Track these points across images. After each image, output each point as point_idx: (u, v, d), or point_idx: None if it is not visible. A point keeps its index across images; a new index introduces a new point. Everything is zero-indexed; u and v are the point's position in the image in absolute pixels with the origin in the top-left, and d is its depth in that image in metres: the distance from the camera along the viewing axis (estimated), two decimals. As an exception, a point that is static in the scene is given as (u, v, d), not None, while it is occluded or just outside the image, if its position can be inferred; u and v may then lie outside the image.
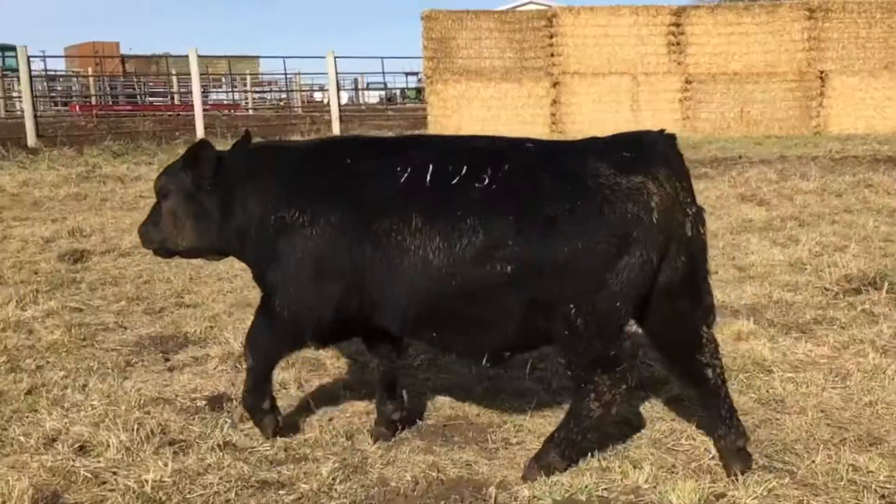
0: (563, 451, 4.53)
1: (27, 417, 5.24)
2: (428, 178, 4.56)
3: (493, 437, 4.99)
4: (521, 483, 4.43)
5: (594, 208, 4.29)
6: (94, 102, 40.54)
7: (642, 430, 5.05)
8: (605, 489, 4.35)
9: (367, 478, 4.50)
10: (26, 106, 21.91)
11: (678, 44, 25.59)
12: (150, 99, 46.88)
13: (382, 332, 4.93)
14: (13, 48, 47.93)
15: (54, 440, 4.88)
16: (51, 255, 9.92)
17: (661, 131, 4.66)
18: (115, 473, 4.49)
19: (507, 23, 26.24)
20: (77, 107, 38.79)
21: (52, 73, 45.36)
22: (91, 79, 45.57)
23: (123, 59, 53.62)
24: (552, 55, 25.77)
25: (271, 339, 4.92)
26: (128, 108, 40.26)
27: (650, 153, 4.50)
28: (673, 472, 4.54)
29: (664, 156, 4.50)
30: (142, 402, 5.47)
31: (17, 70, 37.54)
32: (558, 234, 4.30)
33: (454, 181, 4.51)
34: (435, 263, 4.41)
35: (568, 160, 4.56)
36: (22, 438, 4.88)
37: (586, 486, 4.33)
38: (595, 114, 25.28)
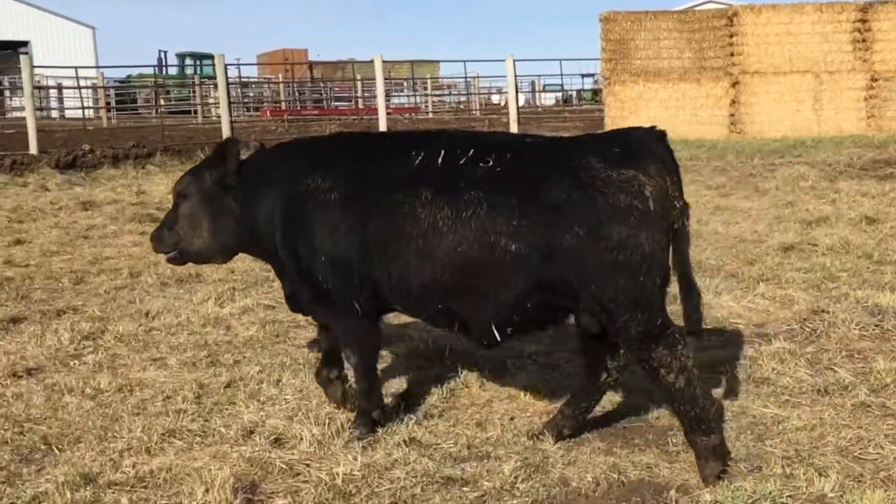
0: (701, 428, 4.55)
1: (227, 410, 5.47)
2: (436, 168, 4.84)
3: (673, 440, 4.94)
4: (702, 487, 4.39)
5: (588, 198, 4.53)
6: (283, 107, 41.77)
7: (827, 438, 4.90)
8: (790, 496, 4.26)
9: (549, 477, 4.52)
10: (223, 111, 22.72)
11: (864, 40, 24.59)
12: (336, 103, 47.94)
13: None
14: (210, 56, 49.96)
15: (252, 432, 5.09)
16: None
17: (652, 127, 4.83)
18: (308, 465, 4.64)
19: (687, 22, 25.79)
20: (268, 111, 40.03)
21: (246, 79, 47.00)
22: (281, 85, 46.96)
23: (311, 65, 54.96)
24: (732, 54, 25.15)
25: (353, 329, 5.19)
26: (314, 112, 41.24)
27: (639, 148, 4.71)
28: (860, 482, 4.41)
29: (653, 151, 4.70)
30: (332, 397, 5.65)
31: (213, 77, 39.05)
32: (565, 221, 4.54)
33: (462, 174, 4.76)
34: (452, 248, 4.68)
35: (567, 155, 4.78)
36: (223, 430, 5.10)
37: (770, 493, 4.25)
38: (776, 113, 24.59)
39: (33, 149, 20.43)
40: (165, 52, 52.79)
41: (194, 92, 43.53)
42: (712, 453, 4.52)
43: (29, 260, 10.23)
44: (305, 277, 5.13)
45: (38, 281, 9.19)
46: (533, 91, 53.86)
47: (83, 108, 35.54)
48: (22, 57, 22.06)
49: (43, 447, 4.98)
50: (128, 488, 4.44)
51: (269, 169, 5.33)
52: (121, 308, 7.94)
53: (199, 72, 50.77)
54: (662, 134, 4.79)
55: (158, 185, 16.25)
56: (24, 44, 62.10)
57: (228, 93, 23.43)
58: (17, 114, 39.12)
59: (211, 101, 40.12)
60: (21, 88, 38.49)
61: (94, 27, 67.12)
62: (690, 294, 4.72)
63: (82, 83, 38.26)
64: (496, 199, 4.66)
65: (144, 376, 6.14)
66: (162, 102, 44.07)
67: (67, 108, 43.14)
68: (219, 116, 24.89)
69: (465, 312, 4.86)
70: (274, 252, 5.27)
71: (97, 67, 44.76)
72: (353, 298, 5.04)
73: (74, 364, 6.47)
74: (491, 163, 4.77)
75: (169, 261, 5.70)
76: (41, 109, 34.51)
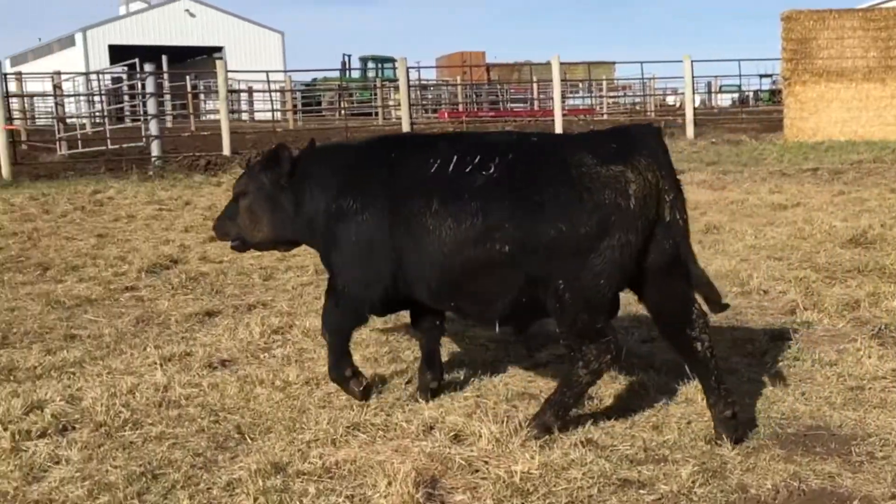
0: (558, 412, 5.06)
1: (407, 405, 5.57)
2: (449, 169, 5.13)
3: (856, 450, 4.77)
4: (887, 499, 4.24)
5: (575, 195, 4.77)
6: (460, 109, 42.14)
7: None
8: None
9: (727, 483, 4.44)
10: (403, 113, 23.09)
11: None
12: (511, 105, 48.08)
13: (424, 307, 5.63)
14: (392, 60, 50.82)
15: (432, 428, 5.16)
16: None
17: (649, 124, 5.18)
18: (486, 462, 4.68)
19: (872, 20, 24.83)
20: (446, 113, 40.46)
21: (425, 82, 47.61)
22: (459, 87, 47.38)
23: (488, 67, 55.33)
24: (920, 54, 24.15)
25: (340, 315, 5.64)
26: (491, 114, 41.48)
27: (633, 144, 4.92)
28: None
29: (647, 146, 4.90)
30: (509, 395, 5.68)
31: (394, 80, 39.68)
32: (545, 217, 4.81)
33: (467, 171, 5.07)
34: (451, 241, 5.01)
35: (559, 152, 5.01)
36: (404, 424, 5.19)
37: None
38: (966, 114, 23.50)
39: (226, 150, 21.22)
40: (349, 56, 53.94)
41: (376, 94, 44.38)
42: (546, 427, 5.00)
43: (222, 256, 10.62)
44: (336, 271, 5.60)
45: (231, 277, 9.56)
46: (709, 92, 52.80)
47: (273, 110, 36.65)
48: (217, 62, 22.90)
49: (236, 436, 5.17)
50: (315, 478, 4.57)
51: (318, 171, 5.71)
52: (307, 304, 8.17)
53: (380, 75, 51.72)
54: (658, 130, 5.09)
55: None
56: (219, 49, 64.58)
57: (409, 95, 23.75)
58: (211, 116, 40.72)
59: (391, 103, 40.84)
60: (215, 92, 40.06)
61: (283, 32, 69.26)
62: (693, 277, 4.94)
63: (271, 87, 39.49)
64: (497, 201, 4.94)
65: (327, 371, 6.31)
66: (344, 105, 45.06)
67: (257, 111, 44.61)
68: (399, 118, 25.31)
69: (469, 305, 5.28)
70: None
71: (285, 71, 46.03)
72: (369, 298, 5.48)
73: (264, 357, 6.70)
74: (495, 163, 5.03)
75: (233, 248, 6.15)
76: (233, 112, 35.73)
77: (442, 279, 5.14)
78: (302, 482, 4.52)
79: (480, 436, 4.95)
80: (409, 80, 23.91)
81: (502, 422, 5.10)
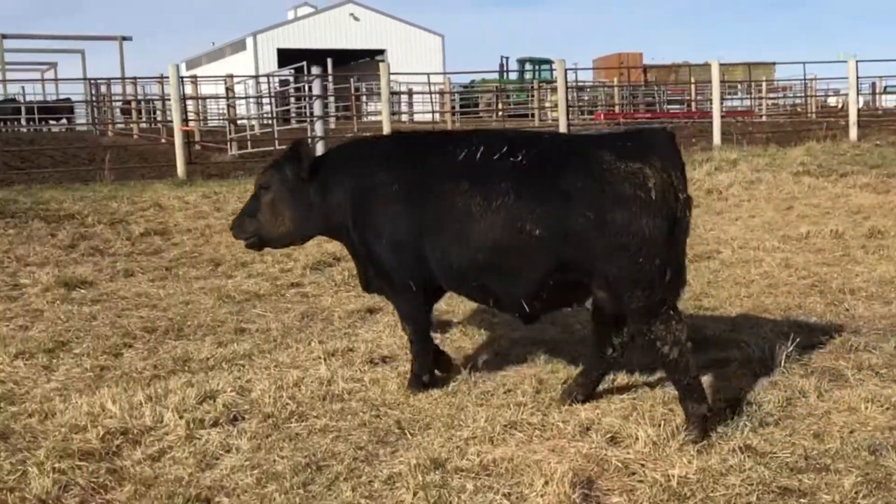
0: (694, 397, 5.12)
1: (563, 406, 5.55)
2: (477, 160, 5.46)
3: None
4: None
5: (598, 187, 5.12)
6: (617, 111, 41.71)
7: None
8: None
9: (892, 495, 4.28)
10: (560, 115, 22.96)
11: None
12: (668, 106, 47.32)
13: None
14: (549, 62, 50.63)
15: (588, 429, 5.14)
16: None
17: (662, 128, 5.56)
18: (643, 465, 4.64)
19: None
20: (602, 115, 40.10)
21: (581, 83, 47.30)
22: (615, 88, 46.89)
23: (646, 68, 54.60)
24: None
25: (408, 305, 5.97)
26: (647, 115, 40.90)
27: (648, 146, 5.27)
28: None
29: (661, 148, 5.24)
30: (665, 398, 5.59)
31: (551, 81, 39.51)
32: (577, 207, 5.14)
33: (497, 163, 5.41)
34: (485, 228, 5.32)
35: (582, 150, 5.36)
36: (560, 425, 5.19)
37: None
38: None
39: (387, 150, 21.45)
40: (507, 58, 53.92)
41: (532, 96, 44.29)
42: (700, 419, 5.05)
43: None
44: (372, 259, 5.86)
45: (391, 274, 9.69)
46: (873, 93, 50.84)
47: (433, 111, 37.01)
48: (381, 64, 23.23)
49: (397, 431, 5.25)
50: (472, 475, 4.61)
51: (340, 165, 6.05)
52: (465, 303, 8.20)
53: (537, 76, 51.58)
54: (671, 135, 5.39)
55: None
56: (381, 52, 65.53)
57: (567, 97, 23.64)
58: (373, 118, 41.39)
59: (547, 104, 40.68)
60: (377, 94, 40.60)
61: (443, 35, 69.80)
62: (677, 273, 5.26)
63: (431, 88, 39.88)
64: (523, 189, 5.27)
65: (487, 368, 6.35)
66: (501, 106, 45.14)
67: (416, 112, 45.10)
68: (555, 119, 25.20)
69: (498, 288, 5.50)
70: (347, 235, 5.99)
71: (445, 74, 46.41)
72: (409, 278, 5.75)
73: (424, 354, 6.78)
74: (520, 157, 5.38)
75: (248, 246, 6.36)
76: (394, 113, 36.24)
77: (469, 264, 5.44)
78: (460, 478, 4.57)
79: (637, 438, 4.91)
80: (566, 82, 23.76)
81: (659, 425, 5.05)
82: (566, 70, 23.53)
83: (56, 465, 4.72)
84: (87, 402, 5.64)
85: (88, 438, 5.09)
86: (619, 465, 4.66)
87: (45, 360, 6.74)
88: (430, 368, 6.03)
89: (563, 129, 22.59)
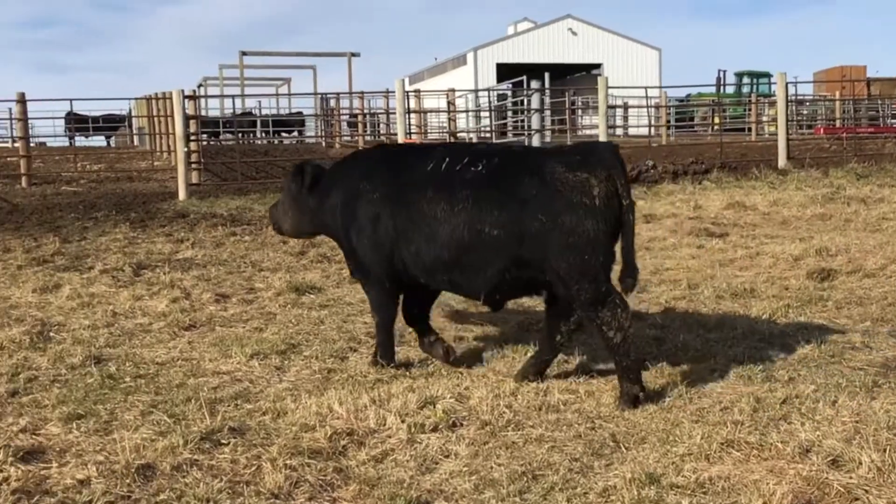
0: (629, 376, 5.89)
1: (782, 426, 5.35)
2: (443, 170, 6.25)
3: None
4: None
5: (549, 195, 5.86)
6: (838, 125, 39.98)
7: None
8: None
9: None
10: (780, 129, 22.24)
11: None
12: (892, 121, 45.03)
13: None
14: (767, 75, 49.11)
15: (808, 451, 4.92)
16: (799, 272, 10.02)
17: (608, 142, 6.60)
18: (866, 491, 4.41)
19: None
20: (822, 129, 38.53)
21: (801, 97, 45.64)
22: (837, 102, 44.98)
23: (869, 81, 52.11)
24: None
25: (378, 297, 6.85)
26: (870, 129, 39.01)
27: (594, 157, 6.00)
28: None
29: (606, 160, 5.95)
30: (890, 423, 5.29)
31: (769, 95, 38.30)
32: (532, 212, 5.89)
33: (452, 171, 6.22)
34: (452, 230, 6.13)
35: (536, 161, 6.11)
36: (779, 445, 4.98)
37: None
38: None
39: (602, 164, 21.33)
40: (724, 72, 52.63)
41: (749, 110, 43.05)
42: (632, 399, 5.81)
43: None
44: (354, 255, 6.80)
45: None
46: None
47: (650, 125, 36.52)
48: (599, 78, 23.12)
49: (611, 444, 5.19)
50: (688, 492, 4.50)
51: (335, 178, 6.99)
52: (681, 318, 8.06)
53: (755, 90, 50.12)
54: (615, 147, 6.12)
55: (714, 201, 16.28)
56: (597, 66, 65.21)
57: (787, 111, 22.85)
58: (587, 131, 41.19)
59: (765, 118, 39.46)
60: (592, 108, 40.39)
61: (660, 49, 68.80)
62: (628, 268, 5.97)
63: (647, 102, 39.36)
64: (484, 198, 6.04)
65: (703, 385, 6.19)
66: (717, 120, 44.06)
67: (630, 126, 44.60)
68: (772, 134, 24.42)
69: (463, 281, 6.34)
70: (337, 234, 7.02)
71: (661, 87, 45.72)
72: (384, 274, 6.64)
73: (638, 368, 6.68)
74: (481, 167, 6.16)
75: (274, 230, 8.10)
76: (609, 127, 36.01)
77: (437, 261, 6.28)
78: (675, 495, 4.48)
79: (860, 463, 4.68)
80: (787, 96, 22.98)
81: (884, 450, 4.80)
82: (787, 84, 22.74)
83: (287, 462, 4.90)
84: (315, 402, 5.84)
85: (317, 437, 5.27)
86: (842, 489, 4.44)
87: (277, 360, 7.03)
88: (392, 354, 6.83)
89: (781, 144, 21.87)
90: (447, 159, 6.31)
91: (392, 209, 6.42)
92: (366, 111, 41.25)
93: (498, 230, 5.97)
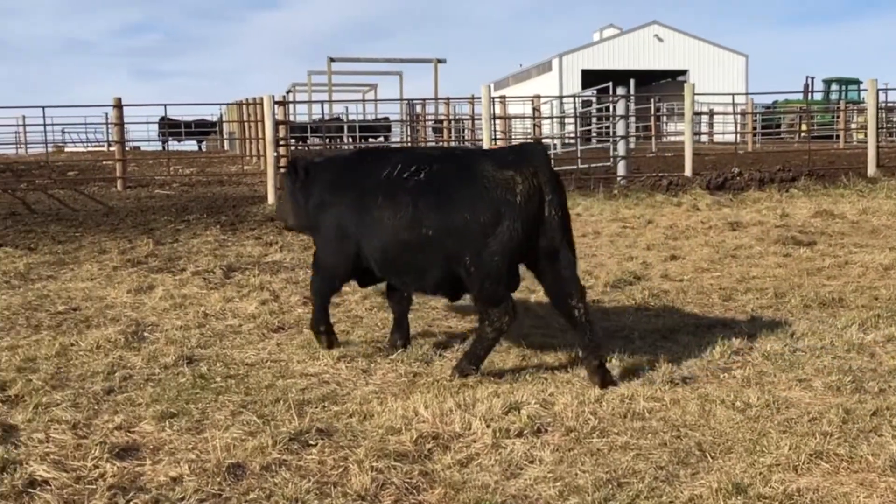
0: (472, 361, 6.65)
1: (872, 438, 5.22)
2: (393, 174, 6.72)
3: None
4: None
5: (476, 192, 6.28)
6: (930, 131, 38.95)
7: None
8: None
9: None
10: (870, 137, 21.75)
11: None
12: None
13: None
14: (856, 82, 48.14)
15: (903, 463, 4.81)
16: (889, 281, 9.79)
17: (537, 141, 6.99)
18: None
19: None
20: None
21: (891, 104, 44.55)
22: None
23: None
24: None
25: (321, 286, 7.53)
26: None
27: (522, 156, 6.44)
28: None
29: (533, 159, 6.39)
30: None
31: (858, 102, 37.50)
32: (459, 209, 6.33)
33: (403, 175, 6.66)
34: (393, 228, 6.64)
35: (470, 161, 6.60)
36: (870, 458, 4.86)
37: None
38: None
39: (688, 171, 21.13)
40: (812, 78, 51.72)
41: (838, 117, 42.21)
42: (464, 374, 6.56)
43: (683, 275, 10.60)
44: (320, 251, 7.49)
45: (691, 296, 9.50)
46: None
47: (736, 132, 36.03)
48: (685, 85, 22.88)
49: (697, 453, 5.11)
50: (776, 503, 4.43)
51: (313, 178, 7.44)
52: (766, 327, 7.92)
53: (843, 97, 49.15)
54: (543, 146, 6.86)
55: (801, 209, 15.99)
56: (683, 72, 64.54)
57: (878, 118, 22.34)
58: (672, 138, 40.75)
59: (853, 126, 38.64)
60: (677, 114, 39.94)
61: (747, 55, 67.84)
62: (564, 261, 6.42)
63: (733, 109, 38.83)
64: (421, 197, 6.51)
65: (790, 395, 6.08)
66: (804, 127, 43.27)
67: (716, 133, 44.03)
68: (861, 141, 23.90)
69: (409, 278, 6.94)
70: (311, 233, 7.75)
71: (748, 94, 45.03)
72: (340, 270, 7.30)
73: (724, 377, 6.58)
74: (423, 171, 6.60)
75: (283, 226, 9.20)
76: (694, 134, 35.64)
77: (387, 258, 6.82)
78: (764, 506, 4.40)
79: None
80: (877, 103, 22.46)
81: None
82: (877, 90, 22.24)
83: (374, 464, 4.93)
84: (401, 405, 5.87)
85: (403, 441, 5.29)
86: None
87: (363, 363, 7.08)
88: (327, 326, 7.52)
89: (871, 152, 21.39)
90: (399, 165, 6.76)
91: (353, 216, 6.98)
92: (451, 117, 41.37)
93: (430, 229, 6.46)
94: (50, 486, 4.77)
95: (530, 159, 6.38)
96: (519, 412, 5.67)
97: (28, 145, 43.55)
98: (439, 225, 6.42)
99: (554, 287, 6.52)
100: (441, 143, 38.33)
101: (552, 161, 6.51)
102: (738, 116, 38.82)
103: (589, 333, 6.43)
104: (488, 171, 6.31)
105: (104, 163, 30.38)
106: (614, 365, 6.78)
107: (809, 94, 50.75)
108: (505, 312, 6.44)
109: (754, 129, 40.11)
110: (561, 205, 6.37)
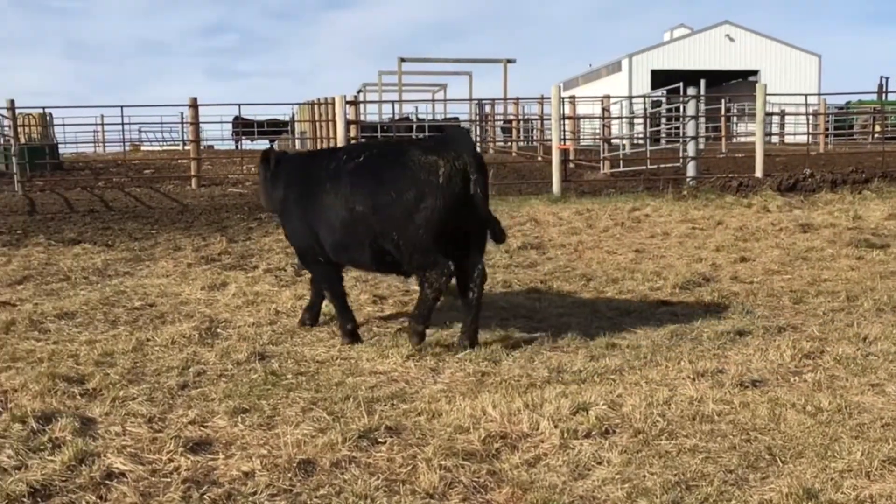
0: (418, 320, 7.33)
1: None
2: (337, 164, 7.53)
3: None
4: None
5: (402, 174, 7.04)
6: None
7: None
8: None
9: None
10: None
11: None
12: None
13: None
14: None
15: (976, 473, 4.70)
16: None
17: (461, 127, 10.03)
18: None
19: None
20: None
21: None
22: None
23: None
24: None
25: (318, 273, 8.33)
26: None
27: (447, 141, 7.32)
28: None
29: (457, 142, 7.20)
30: None
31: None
32: (386, 189, 7.08)
33: (344, 164, 7.46)
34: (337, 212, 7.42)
35: (402, 149, 7.31)
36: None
37: None
38: None
39: (759, 172, 20.86)
40: (887, 78, 50.71)
41: (911, 118, 41.37)
42: (418, 334, 7.35)
43: (752, 277, 10.47)
44: (289, 240, 8.57)
45: (761, 298, 9.37)
46: None
47: (808, 133, 35.44)
48: (757, 85, 22.60)
49: (767, 457, 5.04)
50: (852, 509, 4.35)
51: (281, 169, 8.17)
52: (838, 330, 7.79)
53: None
54: (466, 130, 8.49)
55: (874, 211, 15.65)
56: (754, 72, 63.67)
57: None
58: (742, 139, 40.26)
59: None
60: (748, 115, 39.42)
61: (820, 55, 66.73)
62: (489, 227, 7.36)
63: (805, 110, 38.21)
64: (357, 181, 7.28)
65: (862, 400, 5.96)
66: (878, 128, 42.42)
67: (787, 134, 43.38)
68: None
69: (357, 257, 7.63)
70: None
71: (820, 94, 44.27)
72: (308, 254, 8.02)
73: (795, 380, 6.48)
74: (362, 158, 7.40)
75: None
76: (766, 135, 35.16)
77: (333, 242, 7.56)
78: (835, 512, 4.32)
79: None
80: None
81: None
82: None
83: (442, 463, 4.94)
84: (469, 405, 5.86)
85: (471, 440, 5.29)
86: None
87: (432, 362, 7.09)
88: (351, 318, 7.93)
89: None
90: (344, 156, 7.58)
91: (308, 204, 7.71)
92: (520, 117, 41.29)
93: (365, 209, 7.17)
94: (126, 478, 4.85)
95: (453, 144, 7.17)
96: (587, 413, 5.64)
97: (106, 144, 44.33)
98: (370, 205, 7.16)
99: (464, 261, 7.27)
100: (510, 143, 38.27)
101: (472, 142, 7.76)
102: (811, 117, 38.15)
103: (472, 316, 7.44)
104: (414, 157, 7.07)
105: (179, 161, 30.82)
106: (683, 367, 6.71)
107: (884, 95, 49.74)
108: (442, 275, 7.07)
109: (826, 130, 39.42)
110: (484, 184, 7.15)
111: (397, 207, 7.02)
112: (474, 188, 7.02)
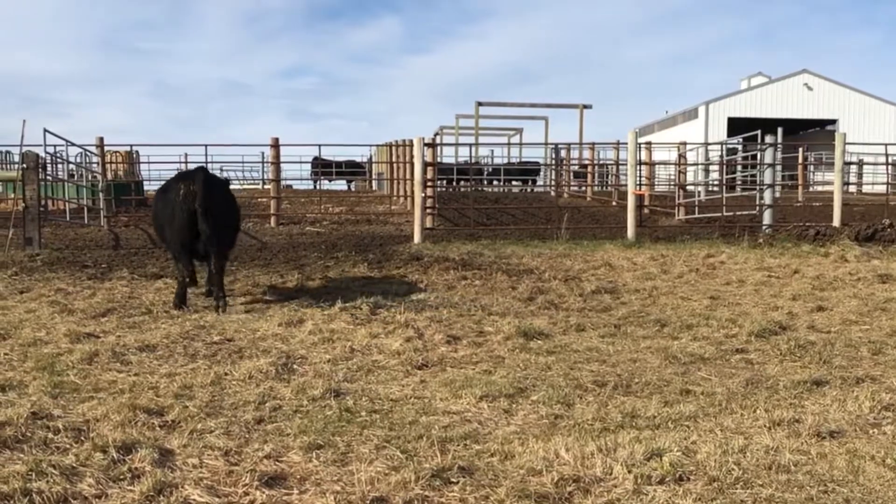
0: (175, 301, 11.66)
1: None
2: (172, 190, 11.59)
3: None
4: None
5: (162, 197, 11.63)
6: None
7: None
8: None
9: None
10: None
11: None
12: None
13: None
14: None
15: None
16: None
17: (200, 167, 12.17)
18: None
19: None
20: None
21: None
22: None
23: None
24: None
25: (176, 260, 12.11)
26: None
27: (189, 175, 11.35)
28: None
29: (193, 177, 11.20)
30: None
31: None
32: (161, 205, 11.68)
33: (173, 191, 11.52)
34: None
35: (172, 180, 11.82)
36: None
37: None
38: None
39: (836, 221, 20.52)
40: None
41: None
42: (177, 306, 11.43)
43: (830, 327, 10.27)
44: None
45: (839, 347, 9.18)
46: None
47: (888, 183, 34.77)
48: (836, 134, 22.31)
49: (845, 510, 4.92)
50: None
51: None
52: None
53: None
54: (201, 168, 11.69)
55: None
56: (832, 122, 62.85)
57: None
58: (819, 188, 39.62)
59: None
60: (825, 164, 38.81)
61: (898, 104, 65.71)
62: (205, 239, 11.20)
63: (885, 160, 37.49)
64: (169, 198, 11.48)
65: (945, 455, 5.79)
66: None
67: (865, 184, 42.60)
68: None
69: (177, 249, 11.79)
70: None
71: (899, 144, 43.38)
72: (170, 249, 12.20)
73: (874, 432, 6.31)
74: (180, 187, 11.29)
75: None
76: (844, 184, 34.52)
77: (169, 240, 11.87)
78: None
79: None
80: None
81: None
82: None
83: (514, 504, 4.91)
84: (542, 447, 5.81)
85: (544, 482, 5.24)
86: None
87: (505, 403, 7.05)
88: (183, 296, 11.64)
89: None
90: (178, 185, 11.26)
91: (161, 214, 11.70)
92: (595, 162, 41.20)
93: (174, 212, 11.18)
94: (203, 509, 4.90)
95: (190, 177, 11.21)
96: (661, 459, 5.55)
97: (190, 182, 45.04)
98: (159, 215, 11.84)
99: (208, 255, 11.43)
100: (584, 188, 38.17)
101: (204, 175, 11.59)
102: (890, 167, 37.41)
103: (219, 283, 11.59)
104: (172, 183, 11.52)
105: (259, 200, 31.27)
106: (759, 415, 6.58)
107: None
108: (184, 267, 11.53)
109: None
110: (206, 203, 10.91)
111: (163, 218, 11.62)
112: (199, 210, 10.88)
